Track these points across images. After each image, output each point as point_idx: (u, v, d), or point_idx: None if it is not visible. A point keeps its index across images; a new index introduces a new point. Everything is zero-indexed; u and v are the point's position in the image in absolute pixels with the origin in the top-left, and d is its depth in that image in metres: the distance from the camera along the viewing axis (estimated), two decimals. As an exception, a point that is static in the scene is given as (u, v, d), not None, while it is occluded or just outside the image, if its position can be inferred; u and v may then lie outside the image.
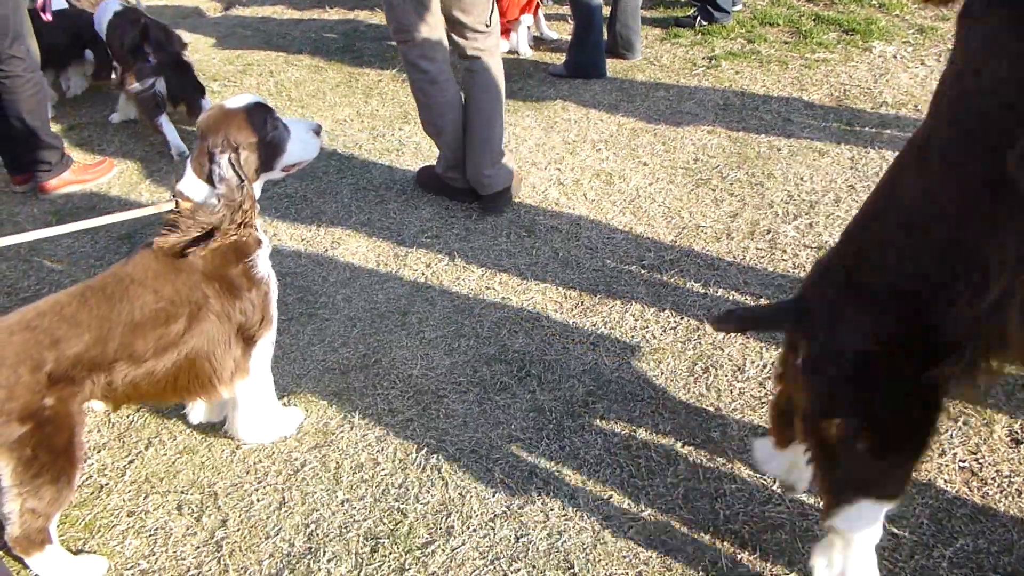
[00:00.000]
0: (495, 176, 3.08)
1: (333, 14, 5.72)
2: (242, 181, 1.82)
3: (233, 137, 1.82)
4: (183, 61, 3.90)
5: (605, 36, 4.29)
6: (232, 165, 1.81)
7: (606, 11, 4.30)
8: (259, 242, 1.95)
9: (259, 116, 1.88)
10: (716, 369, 2.32)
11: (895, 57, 4.03)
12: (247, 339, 1.95)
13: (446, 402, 2.28)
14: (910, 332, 1.32)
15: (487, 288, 2.75)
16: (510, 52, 4.59)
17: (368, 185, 3.44)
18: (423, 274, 2.85)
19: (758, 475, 1.97)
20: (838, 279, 1.43)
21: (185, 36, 5.29)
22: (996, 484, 1.93)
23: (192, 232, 1.79)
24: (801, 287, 1.57)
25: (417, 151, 3.69)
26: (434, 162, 3.28)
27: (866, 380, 1.37)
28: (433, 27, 2.86)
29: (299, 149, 2.00)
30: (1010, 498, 1.89)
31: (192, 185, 1.85)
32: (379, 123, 3.99)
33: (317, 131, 2.05)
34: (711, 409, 2.19)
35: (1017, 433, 2.05)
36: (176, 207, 1.84)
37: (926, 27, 4.28)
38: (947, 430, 2.06)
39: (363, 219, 3.20)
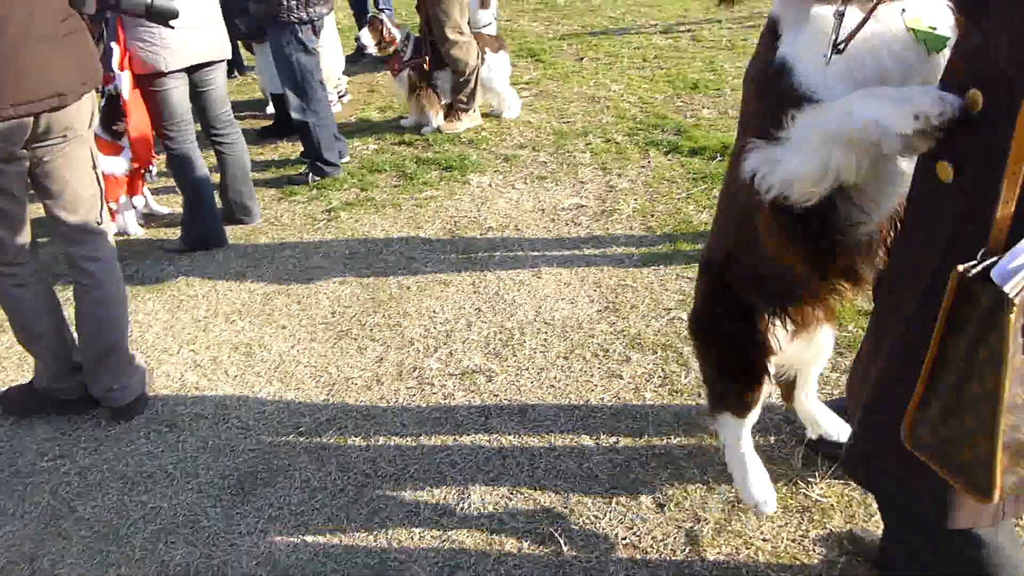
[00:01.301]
0: (127, 388, 2.82)
1: None
2: None
3: None
4: None
5: (219, 203, 4.24)
6: None
7: (215, 178, 4.27)
8: None
9: None
10: (392, 520, 2.31)
11: (490, 186, 4.52)
12: None
13: (101, 651, 1.97)
14: None
15: (132, 501, 2.47)
16: (119, 234, 4.33)
17: (-37, 415, 2.95)
18: (50, 505, 2.48)
19: (453, 619, 1.98)
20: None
21: None
22: (655, 550, 2.14)
23: None
24: None
25: (22, 361, 3.26)
26: (31, 377, 2.90)
27: None
28: (17, 230, 2.59)
29: None
30: (668, 559, 2.11)
31: None
32: (-32, 339, 3.47)
33: None
34: (395, 564, 2.16)
35: (659, 498, 2.31)
36: None
37: (510, 156, 4.88)
38: (605, 515, 2.26)
39: (-38, 458, 2.72)
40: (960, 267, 1.06)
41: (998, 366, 1.05)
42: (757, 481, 2.10)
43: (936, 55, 1.32)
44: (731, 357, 1.92)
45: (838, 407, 2.33)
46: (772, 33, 1.47)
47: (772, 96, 1.43)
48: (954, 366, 1.10)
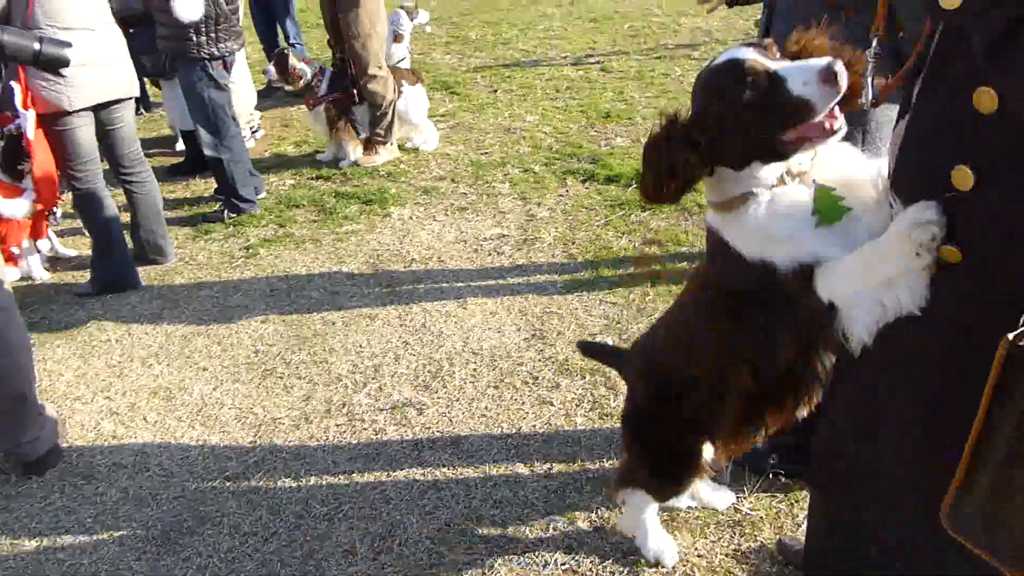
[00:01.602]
0: (38, 440, 2.68)
1: None
2: None
3: None
4: None
5: (130, 244, 4.11)
6: None
7: (125, 218, 4.14)
8: None
9: None
10: (328, 561, 2.26)
11: (411, 218, 4.52)
12: None
13: None
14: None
15: (49, 560, 2.34)
16: (23, 279, 4.14)
17: None
18: (-43, 570, 2.33)
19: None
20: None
21: None
22: (594, 573, 2.16)
23: None
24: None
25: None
26: None
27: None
28: None
29: None
30: (607, 583, 2.14)
31: None
32: None
33: None
34: (333, 606, 2.12)
35: (595, 520, 2.34)
36: None
37: (430, 188, 4.90)
38: (543, 541, 2.27)
39: None
40: (1009, 335, 1.01)
41: None
42: (656, 536, 2.17)
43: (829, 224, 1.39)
44: (668, 459, 1.95)
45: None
46: (720, 241, 1.53)
47: (767, 286, 1.45)
48: (1003, 439, 1.03)
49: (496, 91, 6.85)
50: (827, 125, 1.35)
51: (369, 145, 5.35)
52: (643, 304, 3.42)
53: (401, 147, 5.53)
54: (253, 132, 6.10)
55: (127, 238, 4.07)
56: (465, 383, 3.02)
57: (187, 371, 3.25)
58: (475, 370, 3.09)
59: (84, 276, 4.11)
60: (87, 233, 4.17)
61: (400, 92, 5.31)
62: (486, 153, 5.41)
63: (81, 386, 3.21)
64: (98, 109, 3.74)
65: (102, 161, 3.87)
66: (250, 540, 2.36)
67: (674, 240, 3.95)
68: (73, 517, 2.52)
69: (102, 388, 3.19)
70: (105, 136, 3.89)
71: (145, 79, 5.68)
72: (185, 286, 3.99)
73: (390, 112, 5.25)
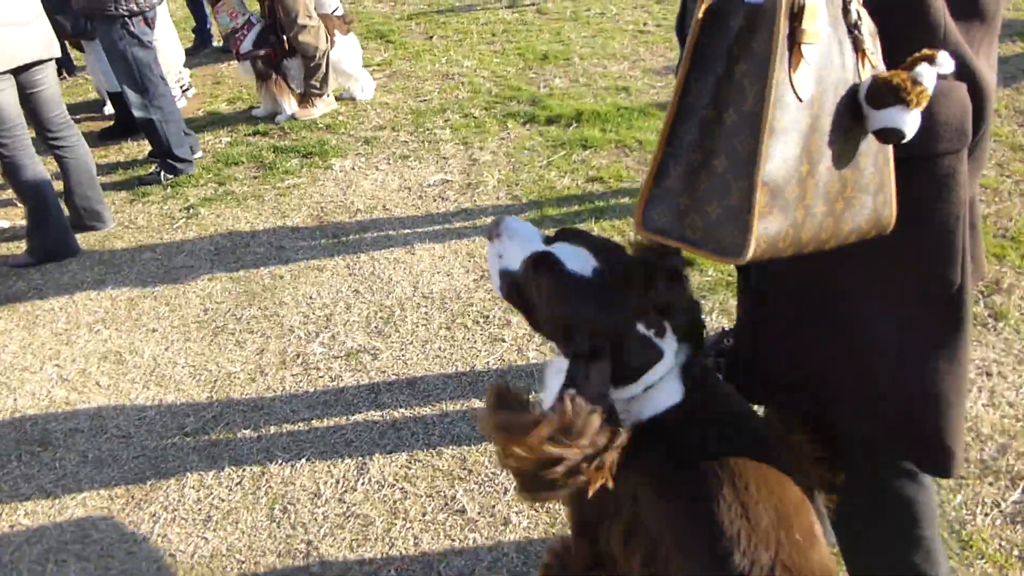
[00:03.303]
0: None
1: None
2: None
3: None
4: None
5: (66, 212, 4.01)
6: None
7: (58, 185, 4.03)
8: None
9: None
10: (294, 504, 2.31)
11: (353, 169, 4.49)
12: None
13: None
14: None
15: (12, 526, 2.35)
16: (-45, 254, 4.02)
17: None
18: (-82, 543, 2.32)
19: (366, 589, 2.02)
20: None
21: None
22: (553, 499, 2.25)
23: None
24: None
25: None
26: None
27: None
28: None
29: None
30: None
31: None
32: None
33: None
34: (302, 547, 2.17)
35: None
36: None
37: (370, 138, 4.86)
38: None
39: None
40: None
41: (763, 69, 0.89)
42: None
43: None
44: None
45: None
46: None
47: None
48: (699, 112, 0.96)
49: (432, 37, 6.76)
50: None
51: (305, 98, 5.26)
52: (588, 239, 3.47)
53: (338, 98, 5.45)
54: (184, 91, 5.93)
55: (62, 206, 3.97)
56: (417, 326, 3.06)
57: (136, 334, 3.23)
58: (427, 313, 3.13)
59: (20, 247, 4.01)
60: (19, 203, 4.06)
61: (332, 42, 5.21)
62: (425, 100, 5.36)
63: (28, 356, 3.17)
64: (18, 72, 3.61)
65: (28, 128, 3.75)
66: (215, 491, 2.40)
67: (616, 176, 4.01)
68: (33, 484, 2.51)
69: (50, 356, 3.15)
70: (28, 100, 3.76)
71: (65, 41, 5.47)
72: (127, 250, 3.92)
73: (324, 63, 5.16)
